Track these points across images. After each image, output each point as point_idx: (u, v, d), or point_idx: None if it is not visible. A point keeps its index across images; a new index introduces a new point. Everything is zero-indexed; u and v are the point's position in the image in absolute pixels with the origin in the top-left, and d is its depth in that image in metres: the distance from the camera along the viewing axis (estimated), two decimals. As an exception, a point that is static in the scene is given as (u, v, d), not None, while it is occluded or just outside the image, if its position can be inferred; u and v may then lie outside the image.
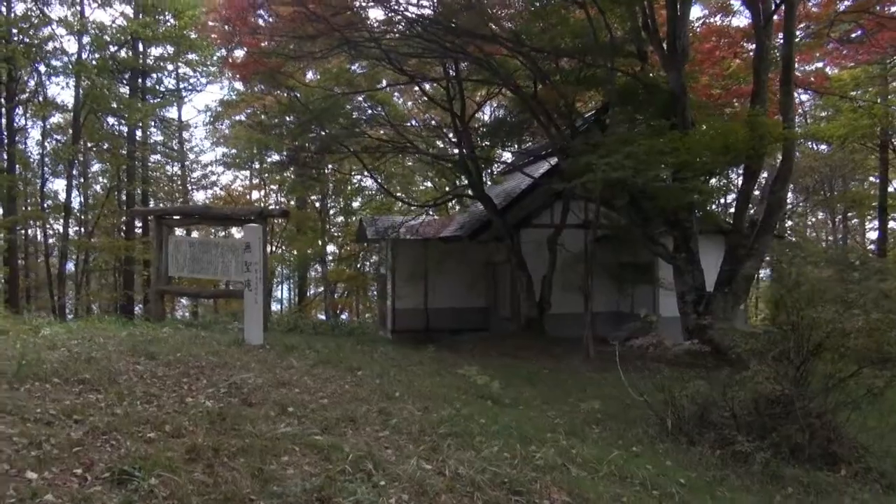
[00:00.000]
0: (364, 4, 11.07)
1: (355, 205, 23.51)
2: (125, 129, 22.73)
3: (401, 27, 11.68)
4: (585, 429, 6.19)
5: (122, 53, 21.74)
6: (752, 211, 12.58)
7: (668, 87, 12.04)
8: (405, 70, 13.68)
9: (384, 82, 15.45)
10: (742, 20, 17.22)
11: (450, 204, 21.24)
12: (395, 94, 16.54)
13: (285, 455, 4.05)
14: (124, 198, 24.17)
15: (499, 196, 17.54)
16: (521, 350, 12.02)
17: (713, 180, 12.18)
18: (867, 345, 5.40)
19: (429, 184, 22.63)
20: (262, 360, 7.10)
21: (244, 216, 12.30)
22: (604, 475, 4.76)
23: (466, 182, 15.35)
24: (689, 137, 9.92)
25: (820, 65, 20.76)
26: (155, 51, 23.86)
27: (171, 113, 26.72)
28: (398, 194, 19.12)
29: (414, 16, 11.29)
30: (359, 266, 23.37)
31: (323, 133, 13.82)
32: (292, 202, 23.53)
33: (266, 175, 22.93)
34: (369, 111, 14.60)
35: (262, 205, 23.60)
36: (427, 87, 15.24)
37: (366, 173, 16.50)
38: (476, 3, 10.54)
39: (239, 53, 12.16)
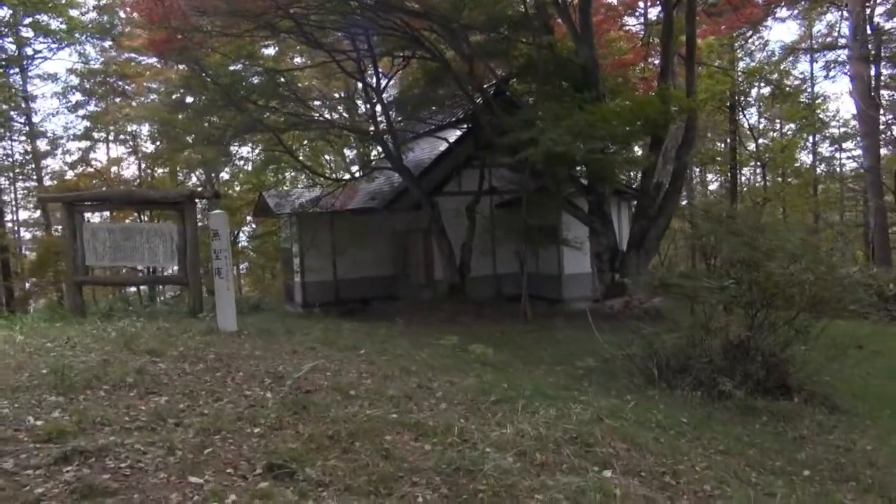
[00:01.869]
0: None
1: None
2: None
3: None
4: (583, 384, 6.92)
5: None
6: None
7: (579, 62, 12.95)
8: (321, 44, 13.54)
9: (296, 59, 15.15)
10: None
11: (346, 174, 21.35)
12: (299, 70, 16.18)
13: (387, 435, 4.38)
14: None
15: (408, 166, 17.94)
16: (459, 316, 12.65)
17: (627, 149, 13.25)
18: (815, 293, 6.52)
19: (329, 157, 22.38)
20: (262, 348, 7.16)
21: (172, 199, 11.82)
22: (630, 422, 5.50)
23: (383, 153, 15.52)
24: (615, 111, 10.86)
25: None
26: None
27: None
28: (311, 169, 18.80)
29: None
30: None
31: (237, 111, 13.39)
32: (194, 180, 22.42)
33: (165, 154, 21.53)
34: (278, 87, 14.23)
35: (190, 187, 22.20)
36: (337, 60, 15.08)
37: (279, 149, 16.05)
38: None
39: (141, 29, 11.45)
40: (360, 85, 17.37)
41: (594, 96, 11.88)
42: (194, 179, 27.95)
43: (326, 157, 23.24)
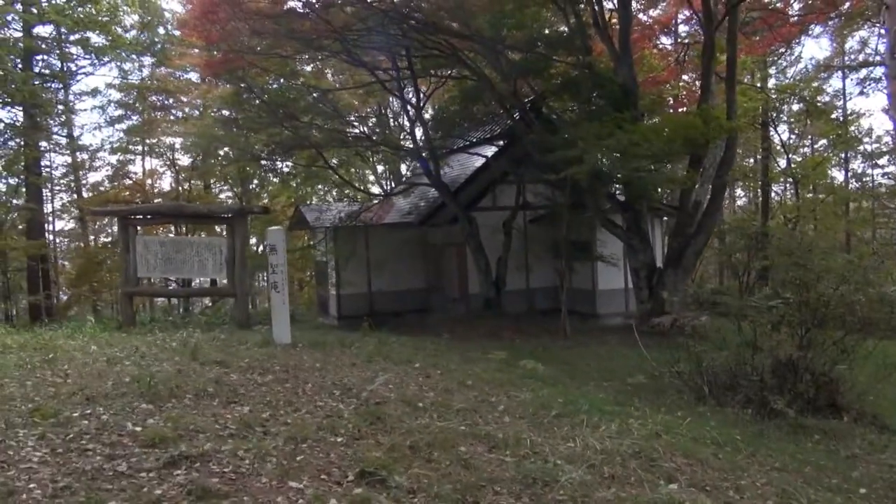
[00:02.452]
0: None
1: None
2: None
3: (368, 23, 11.90)
4: (634, 400, 7.07)
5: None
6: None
7: (618, 80, 13.15)
8: (363, 62, 13.91)
9: (329, 75, 15.54)
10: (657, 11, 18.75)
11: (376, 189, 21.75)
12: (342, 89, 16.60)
13: (462, 446, 4.58)
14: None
15: (444, 181, 18.24)
16: (498, 330, 12.84)
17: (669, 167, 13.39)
18: (865, 314, 6.63)
19: (366, 172, 22.79)
20: (321, 360, 7.42)
21: (221, 214, 12.22)
22: (687, 438, 5.64)
23: (422, 170, 15.84)
24: (656, 130, 11.04)
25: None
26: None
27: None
28: (351, 184, 19.22)
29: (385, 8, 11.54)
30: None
31: (287, 127, 13.80)
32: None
33: (219, 169, 22.08)
34: (321, 104, 14.63)
35: (239, 201, 22.74)
36: (381, 80, 15.46)
37: (318, 165, 16.45)
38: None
39: (200, 51, 11.91)
40: (392, 101, 17.67)
41: (633, 116, 12.05)
42: (228, 193, 28.61)
43: (364, 172, 23.62)
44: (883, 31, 23.32)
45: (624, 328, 14.53)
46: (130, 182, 26.61)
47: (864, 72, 27.51)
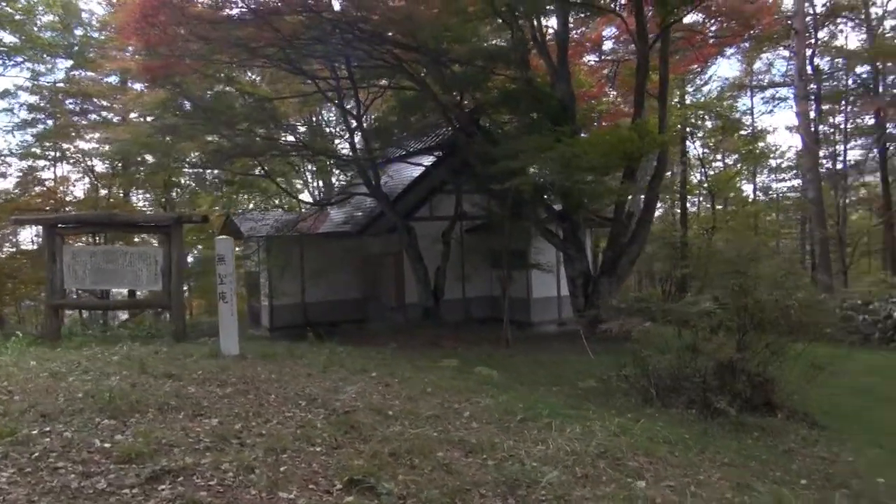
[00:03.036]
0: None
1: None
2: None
3: (314, 32, 11.83)
4: (586, 403, 7.33)
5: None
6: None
7: (556, 95, 13.58)
8: (304, 71, 13.79)
9: (264, 84, 15.31)
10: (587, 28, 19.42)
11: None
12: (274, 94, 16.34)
13: (439, 452, 4.66)
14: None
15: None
16: (440, 340, 12.93)
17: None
18: (797, 318, 7.13)
19: (305, 181, 22.44)
20: (276, 371, 7.30)
21: (158, 223, 11.78)
22: (643, 438, 5.91)
23: (360, 179, 15.80)
24: (595, 143, 11.46)
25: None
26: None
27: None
28: (289, 193, 18.84)
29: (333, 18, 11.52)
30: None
31: (225, 135, 13.48)
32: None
33: (141, 177, 21.11)
34: (258, 113, 14.37)
35: (163, 209, 21.77)
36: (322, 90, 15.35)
37: (253, 174, 16.13)
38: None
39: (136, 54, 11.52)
40: (330, 110, 17.56)
41: (572, 130, 12.47)
42: (147, 201, 27.52)
43: (295, 181, 23.30)
44: (791, 54, 25.08)
45: (561, 335, 14.96)
46: (43, 189, 25.16)
47: (769, 91, 29.61)
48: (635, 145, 11.52)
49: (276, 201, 22.37)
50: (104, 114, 24.40)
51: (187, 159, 14.70)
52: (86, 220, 11.97)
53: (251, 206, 21.04)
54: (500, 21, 13.91)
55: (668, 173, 31.39)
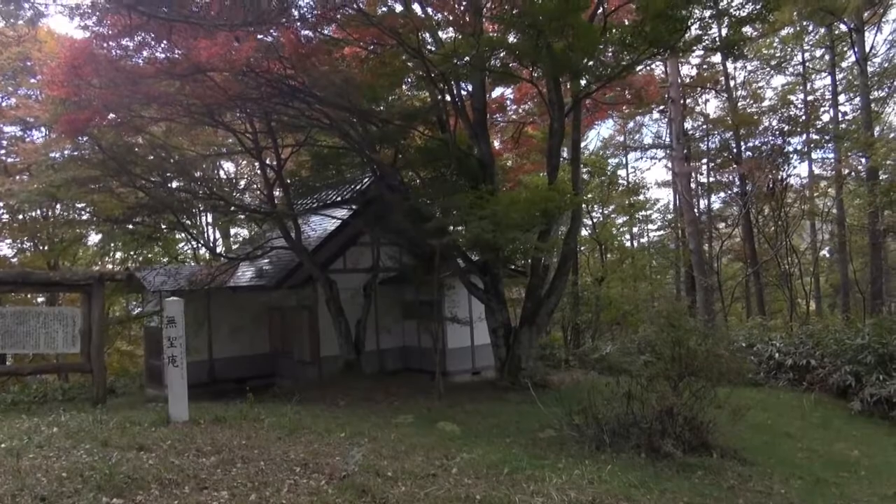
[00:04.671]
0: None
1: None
2: None
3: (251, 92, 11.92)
4: (548, 453, 7.77)
5: None
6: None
7: (476, 155, 14.34)
8: (227, 125, 13.72)
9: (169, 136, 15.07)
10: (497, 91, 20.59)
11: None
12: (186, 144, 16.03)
13: (455, 510, 4.91)
14: None
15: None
16: (373, 394, 12.96)
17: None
18: (725, 365, 8.01)
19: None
20: (243, 436, 7.18)
21: (77, 281, 11.16)
22: (613, 484, 6.42)
23: (279, 232, 15.70)
24: (517, 201, 12.21)
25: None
26: None
27: None
28: (207, 246, 18.15)
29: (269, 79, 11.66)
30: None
31: (143, 188, 13.04)
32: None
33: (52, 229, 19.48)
34: (173, 164, 14.06)
35: (48, 265, 20.08)
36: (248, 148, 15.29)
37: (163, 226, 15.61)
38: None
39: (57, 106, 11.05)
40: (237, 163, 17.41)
41: (492, 189, 13.17)
42: (23, 252, 25.52)
43: (196, 233, 22.56)
44: (663, 118, 27.75)
45: (483, 384, 15.41)
46: None
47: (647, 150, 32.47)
48: (555, 204, 12.39)
49: (179, 255, 21.56)
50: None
51: (94, 211, 14.04)
52: (-6, 279, 11.12)
53: (156, 259, 20.14)
54: (420, 83, 14.61)
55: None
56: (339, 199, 18.08)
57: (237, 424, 8.02)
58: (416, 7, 13.51)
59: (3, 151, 18.91)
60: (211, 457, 6.08)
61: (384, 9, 14.34)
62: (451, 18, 14.65)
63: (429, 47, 13.61)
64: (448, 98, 14.26)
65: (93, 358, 10.84)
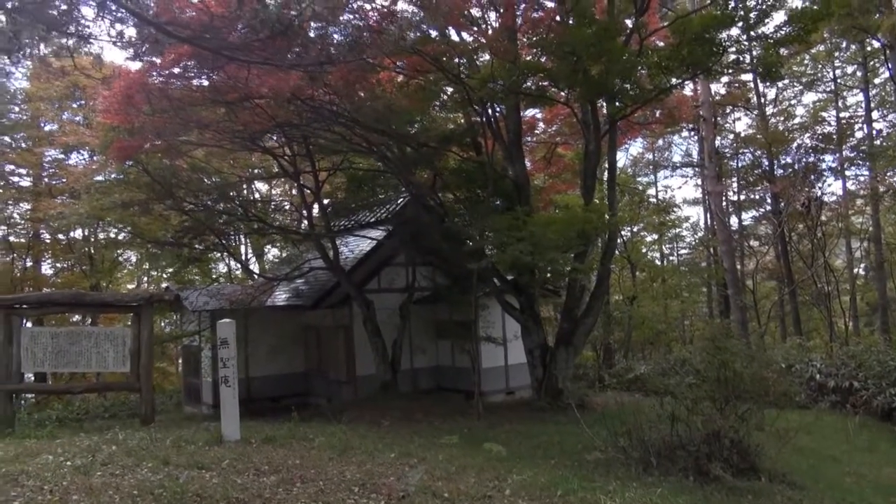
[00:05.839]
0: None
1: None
2: None
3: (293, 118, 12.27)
4: (595, 475, 7.80)
5: None
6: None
7: (511, 177, 14.50)
8: (267, 149, 14.11)
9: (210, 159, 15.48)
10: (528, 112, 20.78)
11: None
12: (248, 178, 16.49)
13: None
14: None
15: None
16: (411, 413, 13.06)
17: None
18: (773, 387, 7.99)
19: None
20: (297, 456, 7.34)
21: (128, 303, 11.50)
22: (668, 507, 6.45)
23: (320, 254, 15.99)
24: (552, 222, 12.32)
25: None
26: None
27: None
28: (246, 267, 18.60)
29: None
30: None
31: (189, 212, 13.47)
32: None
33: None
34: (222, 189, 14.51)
35: (149, 290, 20.75)
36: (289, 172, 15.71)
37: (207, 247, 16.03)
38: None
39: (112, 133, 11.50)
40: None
41: (528, 210, 13.29)
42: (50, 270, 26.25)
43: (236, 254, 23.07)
44: (694, 136, 27.69)
45: (517, 404, 15.44)
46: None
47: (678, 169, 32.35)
48: (592, 225, 12.48)
49: (217, 276, 22.01)
50: (21, 182, 23.53)
51: (138, 233, 14.56)
52: (48, 301, 11.50)
53: (191, 279, 20.61)
54: (454, 105, 14.86)
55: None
56: (373, 219, 18.39)
57: (288, 444, 8.20)
58: (451, 31, 13.82)
59: (45, 174, 19.60)
60: (271, 476, 6.24)
61: (417, 34, 14.69)
62: (485, 42, 14.93)
63: (462, 70, 13.88)
64: (483, 120, 14.49)
65: (142, 377, 11.12)
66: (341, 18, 9.20)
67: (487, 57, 14.39)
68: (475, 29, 13.54)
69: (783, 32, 11.48)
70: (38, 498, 5.29)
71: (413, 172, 14.96)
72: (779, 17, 12.25)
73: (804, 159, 25.83)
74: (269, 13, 5.39)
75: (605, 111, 13.83)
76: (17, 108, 22.79)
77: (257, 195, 19.62)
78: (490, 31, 13.56)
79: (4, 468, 6.44)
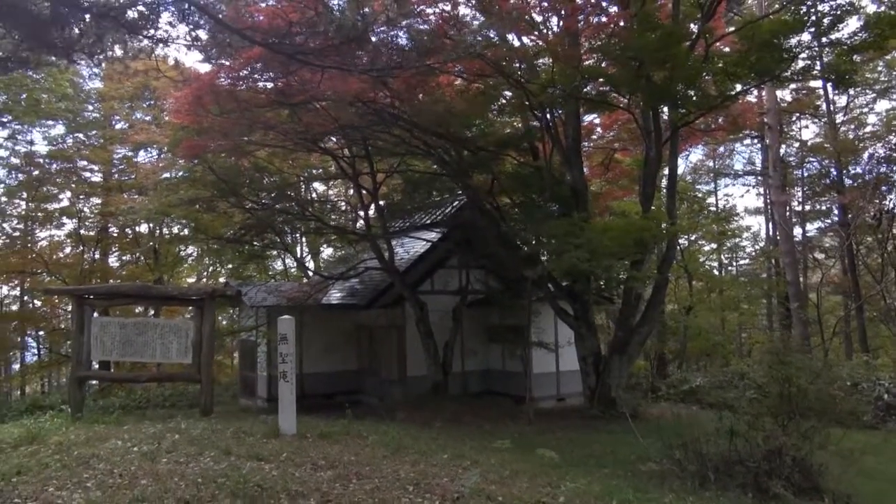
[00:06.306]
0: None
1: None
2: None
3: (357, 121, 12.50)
4: (649, 486, 7.68)
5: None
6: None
7: (568, 183, 14.41)
8: (327, 150, 14.41)
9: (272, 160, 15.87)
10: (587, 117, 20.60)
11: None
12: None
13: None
14: None
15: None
16: (460, 416, 13.12)
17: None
18: (838, 405, 7.72)
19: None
20: (353, 452, 7.46)
21: (191, 296, 11.90)
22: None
23: (375, 255, 16.23)
24: (609, 229, 12.19)
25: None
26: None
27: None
28: (302, 265, 19.10)
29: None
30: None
31: (251, 209, 13.89)
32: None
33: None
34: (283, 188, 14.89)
35: (211, 284, 21.73)
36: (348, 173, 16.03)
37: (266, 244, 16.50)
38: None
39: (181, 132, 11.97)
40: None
41: (585, 217, 13.17)
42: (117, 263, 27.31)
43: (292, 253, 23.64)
44: (758, 143, 26.93)
45: (568, 411, 15.31)
46: (34, 255, 24.75)
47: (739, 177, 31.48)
48: (650, 233, 12.29)
49: (272, 272, 22.56)
50: (91, 178, 24.64)
51: (201, 229, 15.18)
52: (119, 292, 11.98)
53: (249, 275, 21.19)
54: (512, 109, 14.87)
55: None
56: (428, 221, 18.54)
57: (342, 440, 8.34)
58: (511, 36, 13.83)
59: (115, 171, 20.48)
60: (327, 471, 6.36)
61: (479, 38, 14.75)
62: (545, 46, 14.89)
63: (519, 74, 13.87)
64: (541, 125, 14.44)
65: (202, 369, 11.45)
66: (404, 23, 9.38)
67: (548, 61, 14.36)
68: (536, 33, 13.49)
69: (858, 38, 11.08)
70: (109, 481, 5.53)
71: (470, 176, 15.02)
72: (852, 22, 11.84)
73: (875, 170, 24.80)
74: (345, 19, 5.53)
75: (666, 117, 13.59)
76: (90, 108, 23.89)
77: (314, 195, 20.01)
78: (551, 36, 13.50)
79: (77, 451, 6.77)
